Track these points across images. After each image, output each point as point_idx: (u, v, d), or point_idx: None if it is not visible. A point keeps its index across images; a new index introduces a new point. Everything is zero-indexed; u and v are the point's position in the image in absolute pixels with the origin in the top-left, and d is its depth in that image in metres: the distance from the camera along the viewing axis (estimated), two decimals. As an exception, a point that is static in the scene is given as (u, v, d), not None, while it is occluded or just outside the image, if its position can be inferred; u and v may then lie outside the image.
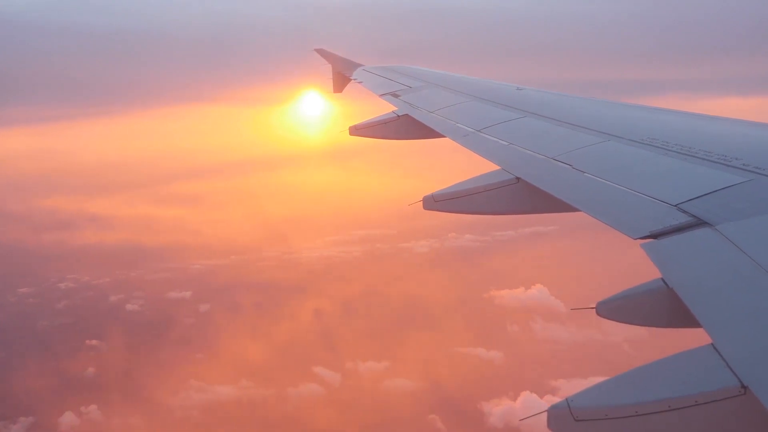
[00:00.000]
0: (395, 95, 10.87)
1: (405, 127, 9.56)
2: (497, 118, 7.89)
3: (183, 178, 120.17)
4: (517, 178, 5.93)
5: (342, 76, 15.19)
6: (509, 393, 48.81)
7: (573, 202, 5.05)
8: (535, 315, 59.84)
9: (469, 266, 71.42)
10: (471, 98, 9.51)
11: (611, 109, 7.72)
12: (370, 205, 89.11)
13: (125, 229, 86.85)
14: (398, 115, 9.67)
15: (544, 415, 3.31)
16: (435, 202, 6.36)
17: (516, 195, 5.96)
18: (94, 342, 57.68)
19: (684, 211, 4.22)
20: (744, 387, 2.75)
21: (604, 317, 4.13)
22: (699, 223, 4.04)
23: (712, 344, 3.03)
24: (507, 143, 6.89)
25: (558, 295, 61.94)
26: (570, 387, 48.50)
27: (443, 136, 8.21)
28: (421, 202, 6.42)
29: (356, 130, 9.97)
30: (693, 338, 3.34)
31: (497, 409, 47.63)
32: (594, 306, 4.17)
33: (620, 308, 4.08)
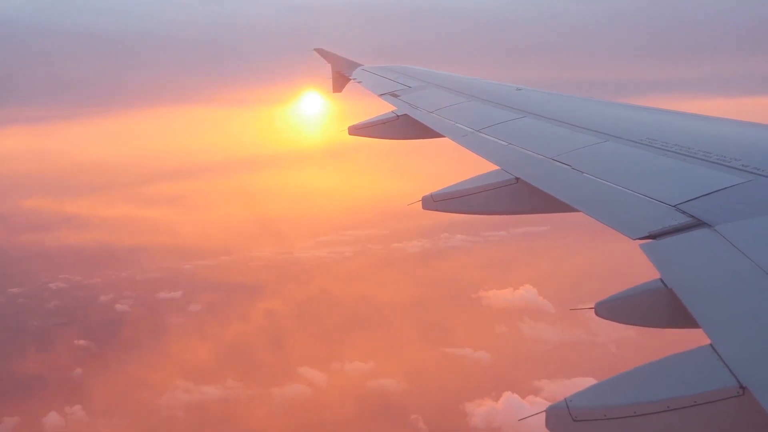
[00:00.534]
0: (394, 95, 10.86)
1: (404, 126, 9.55)
2: (496, 119, 7.89)
3: (180, 177, 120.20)
4: (517, 179, 5.93)
5: (341, 76, 15.18)
6: (492, 393, 48.92)
7: (572, 202, 5.05)
8: (523, 315, 60.08)
9: (459, 266, 71.54)
10: (470, 98, 9.51)
11: (610, 110, 7.72)
12: (369, 205, 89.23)
13: (118, 229, 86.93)
14: (397, 115, 9.66)
15: (542, 415, 3.31)
16: (434, 202, 6.37)
17: (515, 195, 5.96)
18: (82, 342, 57.70)
19: (683, 212, 4.22)
20: (742, 387, 2.75)
21: (603, 317, 4.14)
22: (698, 223, 4.04)
23: (710, 345, 3.03)
24: (506, 143, 6.89)
25: (546, 295, 62.19)
26: (553, 387, 48.81)
27: (442, 136, 8.22)
28: (420, 202, 6.42)
29: (355, 130, 9.96)
30: (691, 339, 3.35)
31: (480, 409, 47.76)
32: (593, 306, 4.18)
33: (619, 308, 4.08)
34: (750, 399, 2.69)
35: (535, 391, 48.85)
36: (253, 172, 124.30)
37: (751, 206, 4.07)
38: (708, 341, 3.06)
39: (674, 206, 4.34)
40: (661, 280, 3.76)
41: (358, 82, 13.42)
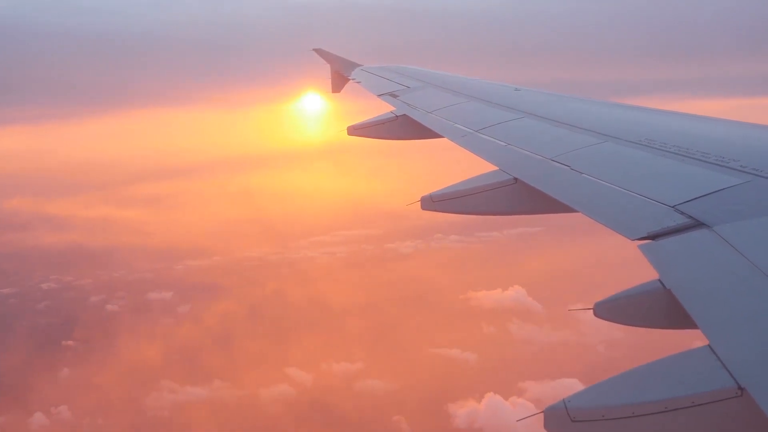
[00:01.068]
0: (393, 95, 10.86)
1: (403, 127, 9.56)
2: (495, 119, 7.90)
3: (178, 177, 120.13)
4: (515, 179, 5.94)
5: (340, 76, 15.19)
6: (476, 394, 48.94)
7: (570, 202, 5.06)
8: (512, 316, 60.02)
9: (450, 267, 71.53)
10: (469, 99, 9.51)
11: (609, 110, 7.73)
12: (367, 205, 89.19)
13: (110, 229, 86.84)
14: (396, 116, 9.67)
15: (536, 415, 3.32)
16: (433, 203, 6.37)
17: (514, 195, 5.96)
18: (70, 343, 57.66)
19: (682, 213, 4.22)
20: (741, 388, 2.75)
21: (602, 318, 4.14)
22: (696, 224, 4.05)
23: (708, 345, 3.03)
24: (505, 144, 6.89)
25: (536, 296, 62.18)
26: (537, 388, 48.90)
27: (441, 137, 8.22)
28: (419, 202, 6.42)
29: (354, 130, 9.97)
30: (690, 339, 3.35)
31: (463, 410, 47.77)
32: (591, 307, 4.18)
33: (617, 309, 4.08)
34: (748, 400, 2.69)
35: (519, 392, 48.94)
36: (252, 172, 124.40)
37: (750, 207, 4.08)
38: (706, 342, 3.06)
39: (673, 207, 4.34)
40: (660, 281, 3.76)
41: (357, 83, 13.43)
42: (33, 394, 49.93)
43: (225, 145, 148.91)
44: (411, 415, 47.19)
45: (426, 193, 6.41)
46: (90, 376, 52.45)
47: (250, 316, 61.48)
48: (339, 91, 15.57)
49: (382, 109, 10.27)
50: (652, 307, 3.85)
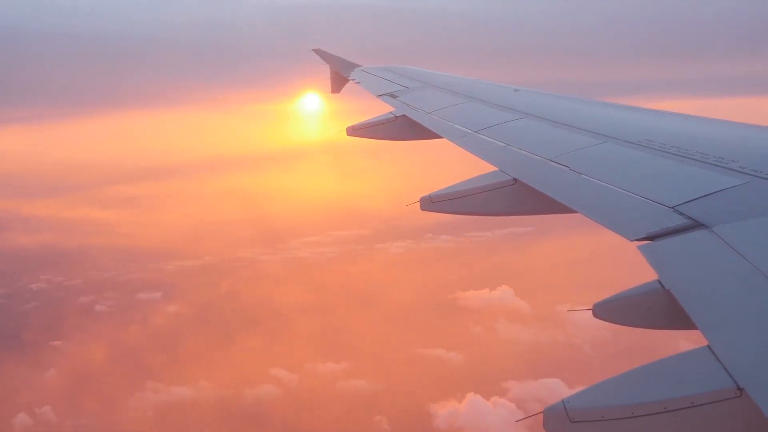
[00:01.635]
0: (393, 96, 10.87)
1: (402, 127, 9.56)
2: (494, 120, 7.90)
3: (176, 177, 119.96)
4: (515, 180, 5.94)
5: (340, 77, 15.19)
6: (457, 394, 48.87)
7: (570, 203, 5.06)
8: (499, 316, 59.86)
9: (439, 267, 71.46)
10: (468, 99, 9.52)
11: (608, 111, 7.73)
12: (364, 205, 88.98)
13: (101, 229, 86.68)
14: (396, 116, 9.67)
15: (535, 415, 3.32)
16: (432, 203, 6.37)
17: (513, 196, 5.96)
18: (57, 343, 57.55)
19: (681, 213, 4.23)
20: (740, 389, 2.75)
21: (601, 318, 4.15)
22: (696, 225, 4.05)
23: (708, 346, 3.04)
24: (504, 144, 6.90)
25: (524, 296, 62.03)
26: (519, 388, 48.81)
27: (441, 137, 8.22)
28: (419, 202, 6.43)
29: (354, 131, 9.97)
30: (689, 340, 3.35)
31: (444, 410, 47.76)
32: (590, 308, 4.18)
33: (616, 310, 4.09)
34: (747, 400, 2.69)
35: (501, 393, 48.79)
36: (250, 172, 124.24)
37: (749, 208, 4.08)
38: (705, 342, 3.07)
39: (672, 208, 4.34)
40: (659, 282, 3.77)
41: (357, 83, 13.43)
42: (19, 395, 49.93)
43: (224, 145, 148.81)
44: (393, 415, 47.16)
45: (425, 193, 6.41)
46: (74, 377, 52.40)
47: (237, 317, 61.48)
48: (338, 92, 15.57)
49: (381, 109, 10.28)
50: (652, 308, 3.86)
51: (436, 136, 8.41)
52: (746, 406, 2.72)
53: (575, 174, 5.49)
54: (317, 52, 16.77)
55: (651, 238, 4.10)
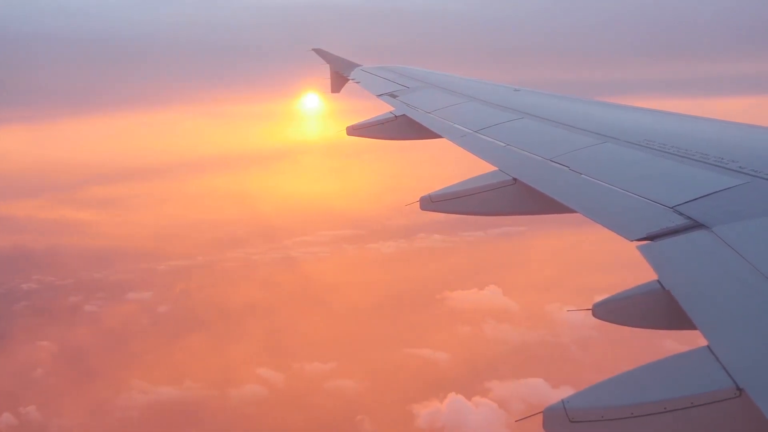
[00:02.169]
0: (393, 95, 10.87)
1: (402, 127, 9.57)
2: (494, 119, 7.90)
3: (173, 177, 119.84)
4: (514, 179, 5.94)
5: (340, 76, 15.20)
6: (440, 395, 48.84)
7: (569, 203, 5.06)
8: (487, 315, 59.71)
9: (429, 266, 71.29)
10: (468, 99, 9.52)
11: (608, 111, 7.73)
12: (365, 205, 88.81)
13: (96, 229, 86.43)
14: (396, 116, 9.68)
15: (535, 415, 3.32)
16: (432, 203, 6.38)
17: (513, 196, 5.97)
18: (45, 343, 57.41)
19: (680, 213, 4.23)
20: (739, 389, 2.75)
21: (600, 319, 4.14)
22: (695, 225, 4.05)
23: (707, 346, 3.04)
24: (504, 144, 6.90)
25: (512, 296, 61.90)
26: (502, 388, 48.71)
27: (441, 137, 8.23)
28: (418, 202, 6.43)
29: (354, 131, 9.98)
30: (688, 340, 3.35)
31: (426, 410, 47.79)
32: (590, 308, 4.18)
33: (616, 310, 4.09)
34: (747, 401, 2.69)
35: (483, 392, 48.69)
36: (249, 171, 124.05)
37: (749, 208, 4.08)
38: (705, 343, 3.07)
39: (672, 208, 4.34)
40: (659, 282, 3.77)
41: (357, 83, 13.44)
42: (4, 395, 49.79)
43: (224, 145, 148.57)
44: (376, 415, 47.13)
45: (425, 193, 6.42)
46: (61, 376, 52.36)
47: (227, 315, 61.47)
48: (338, 92, 15.58)
49: (381, 109, 10.28)
50: (651, 308, 3.86)
51: (436, 136, 8.42)
52: (746, 407, 2.72)
53: (575, 174, 5.49)
54: (317, 51, 16.78)
55: (651, 238, 4.10)
